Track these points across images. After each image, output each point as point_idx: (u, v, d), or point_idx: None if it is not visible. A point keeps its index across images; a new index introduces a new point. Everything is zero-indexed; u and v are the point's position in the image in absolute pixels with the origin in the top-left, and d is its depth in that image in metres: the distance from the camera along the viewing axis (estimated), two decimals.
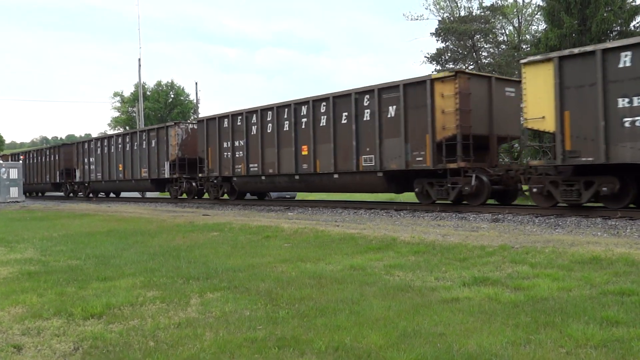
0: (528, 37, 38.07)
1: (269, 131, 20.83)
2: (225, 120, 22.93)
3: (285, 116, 20.13)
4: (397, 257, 8.27)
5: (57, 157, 38.01)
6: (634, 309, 5.04)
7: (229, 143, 22.71)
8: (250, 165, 21.65)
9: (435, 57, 39.18)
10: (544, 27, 30.57)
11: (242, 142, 22.01)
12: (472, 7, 40.48)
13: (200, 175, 24.84)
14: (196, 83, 65.02)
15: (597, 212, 12.98)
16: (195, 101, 60.58)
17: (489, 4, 39.00)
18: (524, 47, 36.10)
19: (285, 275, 7.24)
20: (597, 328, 4.51)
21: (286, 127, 20.09)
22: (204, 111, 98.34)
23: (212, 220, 14.50)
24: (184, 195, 27.45)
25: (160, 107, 71.17)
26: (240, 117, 22.21)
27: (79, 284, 7.04)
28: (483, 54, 39.60)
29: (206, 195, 26.63)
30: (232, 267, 7.87)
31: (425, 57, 39.81)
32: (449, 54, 39.36)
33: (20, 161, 40.17)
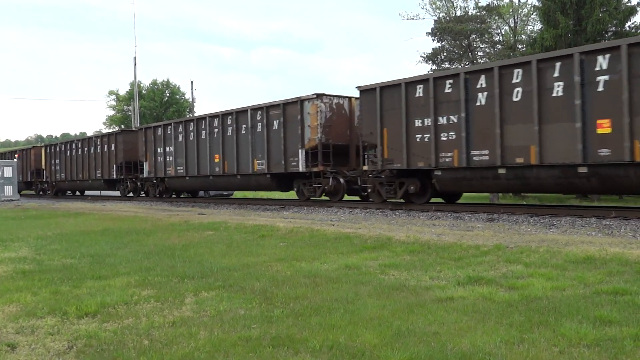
0: (524, 37, 38.19)
1: (516, 99, 13.70)
2: (419, 87, 15.78)
3: (556, 74, 12.98)
4: (392, 256, 8.29)
5: (113, 148, 30.38)
6: (627, 308, 5.06)
7: (427, 120, 15.54)
8: (474, 152, 14.58)
9: (431, 57, 39.27)
10: (540, 27, 30.70)
11: (454, 119, 15.03)
12: (468, 7, 40.65)
13: (365, 168, 17.87)
14: (192, 82, 65.24)
15: (591, 211, 13.03)
16: (191, 100, 60.59)
17: (484, 4, 39.10)
18: (519, 47, 36.22)
19: (281, 274, 7.24)
20: (590, 327, 4.53)
21: (558, 91, 12.93)
22: (200, 110, 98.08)
23: (208, 219, 14.49)
24: (323, 197, 20.08)
25: (156, 105, 71.02)
26: (450, 82, 15.15)
27: (74, 283, 7.02)
28: (479, 53, 39.70)
29: (343, 196, 19.61)
30: (227, 266, 7.87)
31: (421, 56, 39.92)
32: (444, 54, 39.48)
33: (15, 159, 39.60)
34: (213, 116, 23.70)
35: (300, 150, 19.34)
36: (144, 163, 27.96)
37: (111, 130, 31.67)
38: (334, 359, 4.10)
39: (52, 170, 37.33)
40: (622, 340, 4.23)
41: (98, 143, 31.93)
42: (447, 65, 38.42)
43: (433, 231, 10.73)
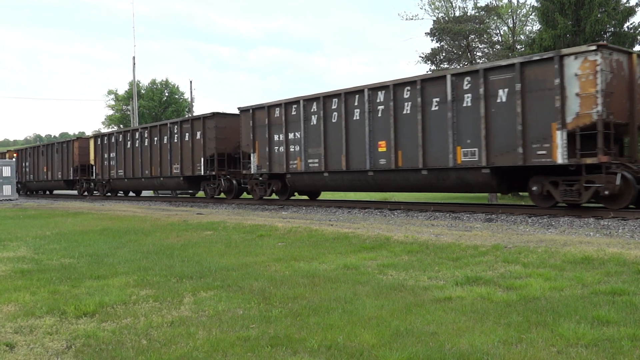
0: (522, 37, 38.21)
1: None
2: None
3: None
4: (390, 256, 8.29)
5: (199, 136, 23.96)
6: (624, 308, 5.07)
7: None
8: None
9: (430, 57, 39.30)
10: (539, 27, 30.72)
11: None
12: (466, 7, 40.67)
13: None
14: (191, 82, 65.17)
15: (590, 212, 13.04)
16: (190, 99, 60.59)
17: (483, 5, 39.15)
18: (518, 47, 36.24)
19: (279, 274, 7.25)
20: (588, 327, 4.54)
21: None
22: (198, 110, 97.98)
23: (206, 219, 14.48)
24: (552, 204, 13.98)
25: (155, 105, 71.06)
26: None
27: (72, 283, 7.02)
28: (477, 54, 39.74)
29: (628, 204, 12.83)
30: (226, 266, 7.87)
31: (420, 56, 39.93)
32: (443, 54, 39.49)
33: (14, 158, 39.36)
34: (376, 88, 17.14)
35: (558, 132, 13.04)
36: (251, 155, 21.64)
37: (202, 113, 24.10)
38: (332, 359, 4.11)
39: (104, 166, 31.28)
40: (620, 340, 4.24)
41: (175, 131, 25.45)
42: (446, 66, 38.44)
43: (431, 231, 10.74)
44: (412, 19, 41.62)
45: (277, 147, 20.55)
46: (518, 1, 39.44)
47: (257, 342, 4.48)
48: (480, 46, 40.38)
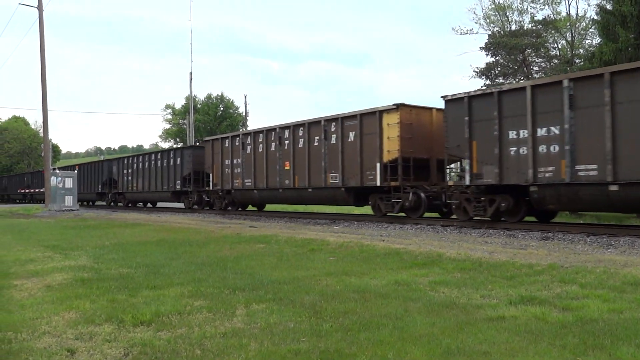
0: (581, 51, 37.24)
1: None
2: None
3: None
4: (442, 273, 8.20)
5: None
6: None
7: None
8: None
9: (485, 72, 38.79)
10: (599, 41, 29.90)
11: None
12: (523, 21, 39.89)
13: None
14: (245, 96, 66.42)
15: None
16: (244, 114, 61.64)
17: (541, 18, 38.41)
18: (577, 61, 35.34)
19: (330, 288, 7.27)
20: None
21: None
22: (252, 124, 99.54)
23: (259, 232, 14.67)
24: None
25: (210, 119, 72.60)
26: None
27: (130, 292, 7.24)
28: (534, 68, 38.95)
29: None
30: (278, 279, 7.95)
31: (475, 71, 39.47)
32: (498, 69, 38.91)
33: (75, 171, 41.03)
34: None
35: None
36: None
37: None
38: None
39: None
40: None
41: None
42: (501, 80, 37.84)
43: (485, 249, 10.56)
44: (466, 33, 41.22)
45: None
46: (577, 14, 38.54)
47: (307, 356, 4.51)
48: (537, 60, 39.61)
